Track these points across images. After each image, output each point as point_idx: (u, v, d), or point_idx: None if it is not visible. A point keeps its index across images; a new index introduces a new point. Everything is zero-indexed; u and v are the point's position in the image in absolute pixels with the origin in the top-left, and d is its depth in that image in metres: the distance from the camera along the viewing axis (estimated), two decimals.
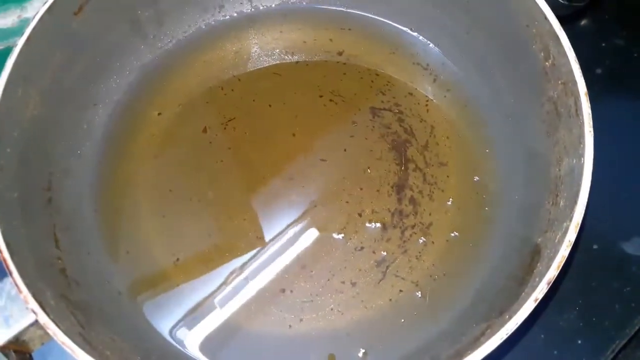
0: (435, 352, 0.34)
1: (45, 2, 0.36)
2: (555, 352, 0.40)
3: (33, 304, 0.30)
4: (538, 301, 0.29)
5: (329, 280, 0.39)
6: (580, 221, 0.31)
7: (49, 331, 0.29)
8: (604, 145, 0.34)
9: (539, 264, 0.32)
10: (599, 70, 0.46)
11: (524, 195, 0.38)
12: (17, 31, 0.49)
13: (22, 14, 0.49)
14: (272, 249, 0.40)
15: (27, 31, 0.36)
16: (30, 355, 0.33)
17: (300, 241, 0.40)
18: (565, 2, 0.45)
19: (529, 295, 0.30)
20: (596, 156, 0.33)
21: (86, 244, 0.38)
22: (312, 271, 0.39)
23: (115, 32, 0.42)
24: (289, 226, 0.40)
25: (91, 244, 0.39)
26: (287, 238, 0.40)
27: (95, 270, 0.38)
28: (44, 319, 0.30)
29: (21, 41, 0.36)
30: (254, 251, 0.40)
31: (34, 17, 0.36)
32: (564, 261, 0.30)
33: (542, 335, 0.40)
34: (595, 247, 0.42)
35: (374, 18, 0.46)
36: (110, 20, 0.41)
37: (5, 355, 0.31)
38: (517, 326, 0.29)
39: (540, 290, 0.30)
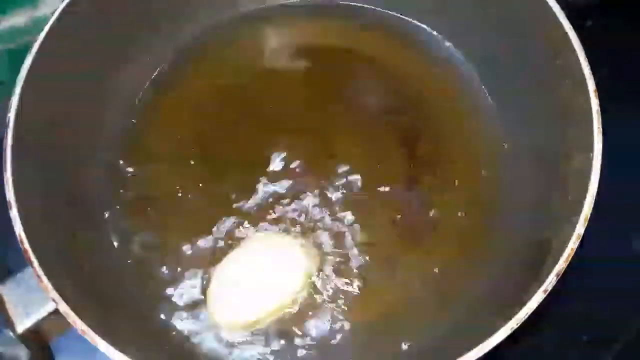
0: (445, 343, 0.35)
1: None
2: (561, 347, 0.40)
3: (53, 293, 0.30)
4: (547, 293, 0.30)
5: (338, 275, 0.39)
6: (589, 215, 0.31)
7: (69, 320, 0.30)
8: (611, 142, 0.34)
9: (548, 257, 0.32)
10: (605, 70, 0.46)
11: (533, 190, 0.39)
12: (29, 30, 0.49)
13: (34, 12, 0.50)
14: None
15: (47, 26, 0.36)
16: (48, 345, 0.34)
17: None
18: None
19: (538, 287, 0.30)
20: (603, 153, 0.33)
21: (103, 239, 0.39)
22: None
23: (131, 27, 0.42)
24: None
25: (108, 240, 0.39)
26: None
27: (111, 265, 0.39)
28: (64, 307, 0.30)
29: (41, 36, 0.36)
30: None
31: (53, 12, 0.37)
32: (572, 254, 0.31)
33: (548, 331, 0.40)
34: (602, 243, 0.43)
35: (386, 13, 0.47)
36: (127, 16, 0.42)
37: (25, 344, 0.31)
38: (526, 317, 0.30)
39: (550, 283, 0.30)
